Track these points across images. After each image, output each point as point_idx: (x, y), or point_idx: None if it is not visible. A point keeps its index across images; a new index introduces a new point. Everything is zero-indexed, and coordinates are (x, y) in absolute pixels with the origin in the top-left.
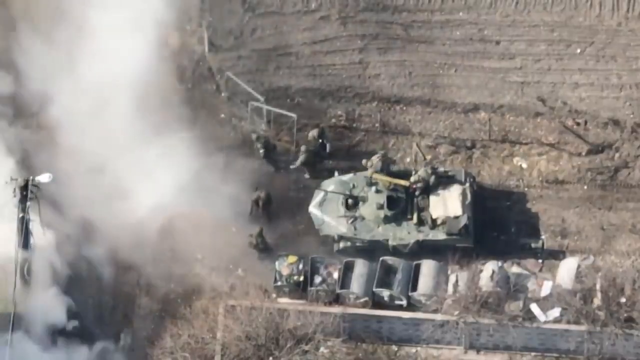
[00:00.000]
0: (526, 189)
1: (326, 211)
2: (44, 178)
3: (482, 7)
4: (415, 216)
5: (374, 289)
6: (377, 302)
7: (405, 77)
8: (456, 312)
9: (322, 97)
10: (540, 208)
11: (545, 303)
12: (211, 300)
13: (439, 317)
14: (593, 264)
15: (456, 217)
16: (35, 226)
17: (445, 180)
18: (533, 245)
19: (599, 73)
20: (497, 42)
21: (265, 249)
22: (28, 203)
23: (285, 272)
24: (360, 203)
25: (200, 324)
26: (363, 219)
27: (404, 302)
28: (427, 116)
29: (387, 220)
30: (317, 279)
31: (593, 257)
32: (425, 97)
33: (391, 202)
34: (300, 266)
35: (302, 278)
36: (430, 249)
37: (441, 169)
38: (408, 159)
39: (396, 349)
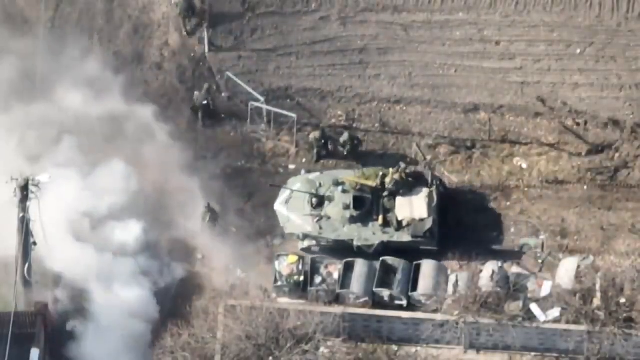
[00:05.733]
0: (526, 189)
1: (292, 209)
2: (44, 178)
3: (482, 8)
4: (380, 217)
5: (374, 289)
6: (377, 302)
7: (405, 78)
8: (456, 312)
9: (322, 97)
10: (540, 208)
11: (545, 303)
12: (211, 300)
13: (439, 317)
14: (593, 264)
15: (422, 220)
16: (35, 226)
17: (412, 182)
18: (533, 245)
19: (599, 73)
20: (497, 43)
21: (216, 221)
22: (28, 203)
23: (285, 272)
24: (326, 202)
25: (200, 324)
26: (329, 218)
27: (404, 302)
28: (427, 116)
29: (352, 220)
30: (317, 279)
31: (593, 257)
32: (425, 97)
33: (357, 202)
34: (300, 266)
35: (302, 278)
36: (394, 250)
37: (409, 169)
38: (408, 159)
39: (396, 348)
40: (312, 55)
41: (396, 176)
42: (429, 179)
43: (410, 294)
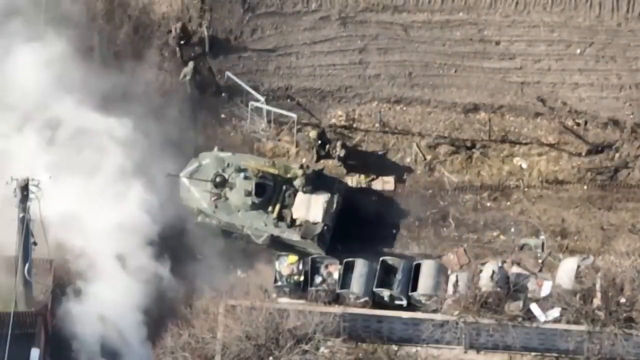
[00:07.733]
0: (526, 189)
1: (194, 183)
2: (44, 178)
3: (482, 8)
4: (276, 210)
5: (374, 289)
6: (377, 302)
7: (405, 78)
8: (456, 312)
9: (322, 97)
10: (540, 208)
11: (545, 303)
12: (211, 300)
13: (439, 317)
14: (593, 264)
15: (315, 223)
16: (35, 226)
17: (318, 184)
18: (533, 245)
19: (599, 73)
20: (497, 43)
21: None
22: (28, 203)
23: (285, 272)
24: (227, 187)
25: (200, 324)
26: (226, 199)
27: (404, 302)
28: (427, 116)
29: (251, 206)
30: (317, 279)
31: (593, 257)
32: (425, 97)
33: (258, 189)
34: (301, 266)
35: (302, 278)
36: (283, 245)
37: (317, 169)
38: (408, 159)
39: (396, 348)
40: (312, 55)
41: (299, 172)
42: (333, 185)
43: (410, 294)
